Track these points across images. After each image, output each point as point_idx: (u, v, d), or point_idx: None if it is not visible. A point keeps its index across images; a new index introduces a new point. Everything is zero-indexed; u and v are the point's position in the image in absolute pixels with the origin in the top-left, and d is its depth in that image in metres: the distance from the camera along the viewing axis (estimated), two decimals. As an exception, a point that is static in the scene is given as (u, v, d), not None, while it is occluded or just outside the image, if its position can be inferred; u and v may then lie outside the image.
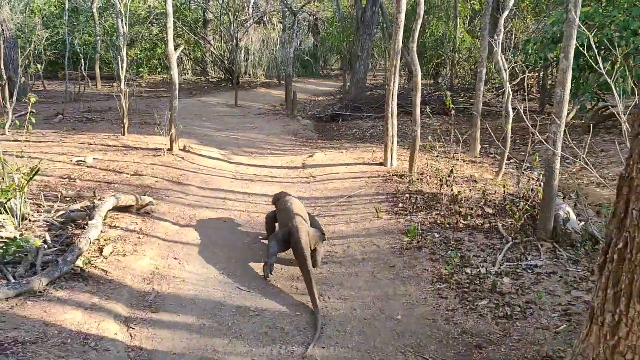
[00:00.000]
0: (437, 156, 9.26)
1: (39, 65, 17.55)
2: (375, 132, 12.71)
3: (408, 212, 6.45)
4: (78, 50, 18.21)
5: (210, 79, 23.13)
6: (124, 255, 5.14)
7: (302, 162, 9.35)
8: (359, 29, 16.26)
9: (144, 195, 6.81)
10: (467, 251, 5.26)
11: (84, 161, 8.27)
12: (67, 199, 6.43)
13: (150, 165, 8.37)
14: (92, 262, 4.82)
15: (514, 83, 16.92)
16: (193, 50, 23.49)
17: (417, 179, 7.70)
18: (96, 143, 9.70)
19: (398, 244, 5.57)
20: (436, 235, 5.69)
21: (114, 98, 14.17)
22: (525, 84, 14.72)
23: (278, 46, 22.51)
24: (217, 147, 10.36)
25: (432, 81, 20.53)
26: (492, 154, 10.35)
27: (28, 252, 4.60)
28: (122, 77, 10.37)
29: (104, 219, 5.73)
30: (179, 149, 9.52)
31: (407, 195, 7.02)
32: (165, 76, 22.67)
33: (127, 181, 7.46)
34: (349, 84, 17.61)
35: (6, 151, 8.51)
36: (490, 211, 6.32)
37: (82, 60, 17.14)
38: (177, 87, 9.32)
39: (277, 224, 5.55)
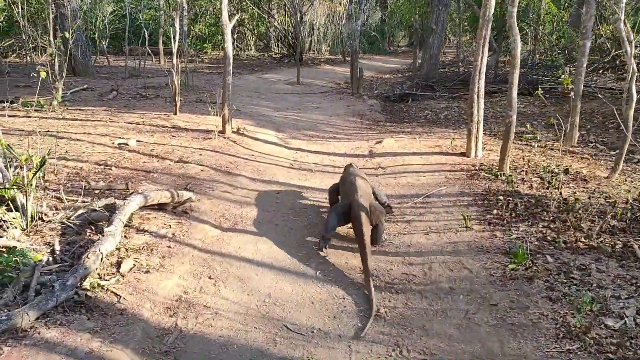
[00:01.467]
0: (535, 146, 7.61)
1: (103, 41, 16.94)
2: (450, 114, 11.07)
3: (505, 221, 4.94)
4: (142, 24, 17.39)
5: (273, 55, 21.93)
6: (147, 272, 3.97)
7: (369, 150, 7.94)
8: (433, 0, 14.46)
9: (185, 188, 5.66)
10: (599, 288, 3.73)
11: (126, 144, 7.23)
12: (96, 191, 5.36)
13: (197, 151, 7.22)
14: (102, 284, 3.67)
15: (606, 60, 14.72)
16: (257, 25, 22.33)
17: (511, 176, 6.14)
18: (145, 123, 8.68)
19: (498, 270, 4.10)
20: (549, 259, 4.17)
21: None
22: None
23: (344, 21, 20.91)
24: (275, 130, 9.11)
25: (509, 58, 18.37)
26: (592, 142, 8.52)
27: (20, 270, 3.50)
28: (175, 51, 9.25)
29: (130, 221, 4.60)
30: (232, 132, 8.34)
31: (502, 197, 5.48)
32: (228, 52, 21.61)
33: (169, 170, 6.33)
34: (420, 60, 15.87)
35: (48, 130, 7.63)
36: (617, 225, 4.72)
37: (145, 35, 16.32)
38: (230, 61, 8.08)
39: (340, 198, 5.13)
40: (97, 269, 3.74)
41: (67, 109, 9.56)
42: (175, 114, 9.30)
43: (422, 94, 12.98)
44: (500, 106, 11.28)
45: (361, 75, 13.28)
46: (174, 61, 9.14)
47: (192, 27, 20.16)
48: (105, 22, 16.67)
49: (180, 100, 10.56)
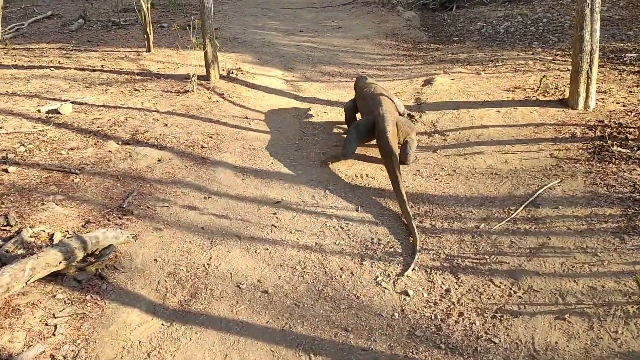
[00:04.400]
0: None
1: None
2: (512, 26, 7.95)
3: None
4: None
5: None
6: None
7: (414, 97, 5.14)
8: None
9: (119, 206, 3.13)
10: None
11: (57, 111, 4.63)
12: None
13: (164, 117, 4.59)
14: None
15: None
16: None
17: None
18: (104, 68, 5.98)
19: None
20: None
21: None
22: None
23: None
24: (282, 68, 6.29)
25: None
26: None
27: None
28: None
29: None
30: (220, 76, 5.60)
31: (684, 215, 2.80)
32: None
33: (106, 164, 3.76)
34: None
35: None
36: None
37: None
38: (207, -27, 5.17)
39: (358, 115, 4.27)
40: None
41: (12, 49, 6.88)
42: (149, 50, 6.54)
43: (470, -2, 9.69)
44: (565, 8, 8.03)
45: (392, -22, 9.97)
46: (138, -25, 6.22)
47: None
48: None
49: (163, 26, 7.76)
